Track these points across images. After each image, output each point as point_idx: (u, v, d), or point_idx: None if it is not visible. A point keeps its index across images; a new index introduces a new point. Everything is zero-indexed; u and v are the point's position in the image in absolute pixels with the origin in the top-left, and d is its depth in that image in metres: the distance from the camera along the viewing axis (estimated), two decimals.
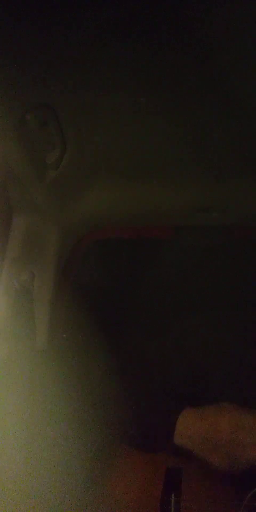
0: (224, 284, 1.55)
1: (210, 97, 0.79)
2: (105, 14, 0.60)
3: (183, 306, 1.53)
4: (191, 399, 1.15)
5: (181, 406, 1.01)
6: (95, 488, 1.07)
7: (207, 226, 1.29)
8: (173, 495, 0.95)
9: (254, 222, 1.29)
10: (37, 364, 1.12)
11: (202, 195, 1.16)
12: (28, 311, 1.14)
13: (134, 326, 1.52)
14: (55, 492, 1.04)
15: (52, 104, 0.81)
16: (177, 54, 0.68)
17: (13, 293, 1.11)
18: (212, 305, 1.52)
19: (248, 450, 0.89)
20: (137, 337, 1.46)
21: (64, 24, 0.61)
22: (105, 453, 1.04)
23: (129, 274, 1.64)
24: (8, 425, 1.02)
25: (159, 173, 1.09)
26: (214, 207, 1.18)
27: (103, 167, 1.06)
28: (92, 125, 0.89)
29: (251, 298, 1.53)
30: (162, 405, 1.05)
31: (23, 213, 1.13)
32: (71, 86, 0.76)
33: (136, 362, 1.32)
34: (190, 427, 0.96)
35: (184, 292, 1.56)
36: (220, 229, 1.29)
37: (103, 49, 0.67)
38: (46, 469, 1.05)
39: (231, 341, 1.38)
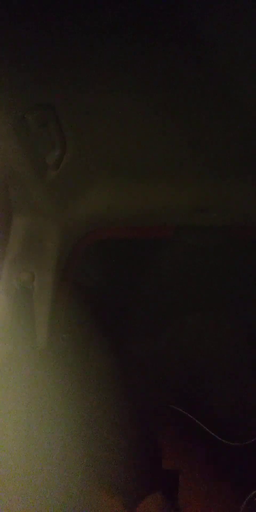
0: (223, 284, 1.55)
1: (210, 98, 0.79)
2: (106, 15, 0.60)
3: (183, 305, 1.53)
4: (187, 396, 1.15)
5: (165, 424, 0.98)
6: (94, 487, 1.07)
7: (207, 226, 1.29)
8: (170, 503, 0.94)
9: (254, 222, 1.29)
10: (37, 364, 1.12)
11: (202, 195, 1.16)
12: (28, 311, 1.14)
13: (133, 325, 1.52)
14: (55, 491, 1.04)
15: (52, 104, 0.80)
16: (177, 55, 0.68)
17: (13, 293, 1.11)
18: (211, 304, 1.52)
19: None
20: (137, 336, 1.46)
21: (64, 24, 0.61)
22: (104, 450, 1.04)
23: (129, 274, 1.64)
24: (8, 425, 1.02)
25: (159, 173, 1.09)
26: (214, 207, 1.18)
27: (103, 167, 1.06)
28: (92, 125, 0.89)
29: (250, 297, 1.53)
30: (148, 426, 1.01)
31: (23, 213, 1.13)
32: (71, 86, 0.76)
33: (135, 360, 1.32)
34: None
35: (183, 291, 1.56)
36: (220, 229, 1.29)
37: (103, 49, 0.67)
38: (46, 468, 1.05)
39: (229, 339, 1.38)
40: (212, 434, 1.07)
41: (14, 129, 0.81)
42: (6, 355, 1.05)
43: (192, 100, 0.80)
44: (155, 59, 0.69)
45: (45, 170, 0.99)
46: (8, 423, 1.03)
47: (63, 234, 1.22)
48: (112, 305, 1.56)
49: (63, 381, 1.13)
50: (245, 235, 1.36)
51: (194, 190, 1.14)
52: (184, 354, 1.34)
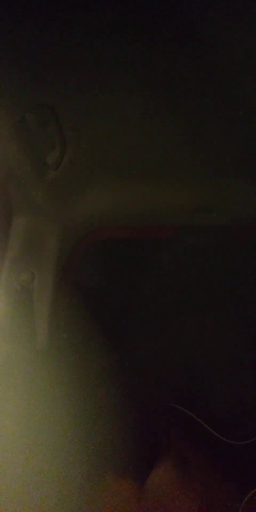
0: (223, 284, 1.55)
1: (210, 98, 0.79)
2: (106, 15, 0.60)
3: (183, 305, 1.53)
4: (187, 396, 1.16)
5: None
6: (93, 487, 1.07)
7: (207, 226, 1.29)
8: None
9: (254, 222, 1.29)
10: (37, 364, 1.12)
11: (202, 195, 1.16)
12: (28, 311, 1.14)
13: (133, 325, 1.52)
14: (54, 491, 1.04)
15: (52, 104, 0.81)
16: (177, 55, 0.68)
17: (13, 293, 1.11)
18: (211, 304, 1.52)
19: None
20: (137, 336, 1.46)
21: (64, 24, 0.61)
22: (103, 452, 1.04)
23: (129, 274, 1.64)
24: (8, 425, 1.02)
25: (159, 173, 1.09)
26: (214, 207, 1.18)
27: (103, 167, 1.06)
28: (92, 126, 0.89)
29: (250, 297, 1.53)
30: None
31: (23, 213, 1.13)
32: (71, 86, 0.76)
33: (135, 360, 1.32)
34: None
35: (183, 291, 1.56)
36: (220, 229, 1.29)
37: (103, 49, 0.67)
38: (46, 468, 1.05)
39: (229, 339, 1.38)
40: (214, 433, 1.07)
41: (14, 129, 0.81)
42: (6, 355, 1.05)
43: (192, 100, 0.80)
44: (155, 59, 0.69)
45: (45, 170, 0.99)
46: (8, 422, 1.03)
47: (63, 234, 1.22)
48: (112, 305, 1.56)
49: (63, 381, 1.13)
50: (245, 235, 1.37)
51: (194, 190, 1.14)
52: (184, 354, 1.34)
